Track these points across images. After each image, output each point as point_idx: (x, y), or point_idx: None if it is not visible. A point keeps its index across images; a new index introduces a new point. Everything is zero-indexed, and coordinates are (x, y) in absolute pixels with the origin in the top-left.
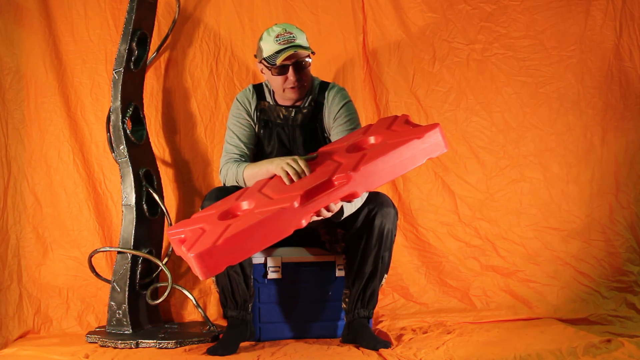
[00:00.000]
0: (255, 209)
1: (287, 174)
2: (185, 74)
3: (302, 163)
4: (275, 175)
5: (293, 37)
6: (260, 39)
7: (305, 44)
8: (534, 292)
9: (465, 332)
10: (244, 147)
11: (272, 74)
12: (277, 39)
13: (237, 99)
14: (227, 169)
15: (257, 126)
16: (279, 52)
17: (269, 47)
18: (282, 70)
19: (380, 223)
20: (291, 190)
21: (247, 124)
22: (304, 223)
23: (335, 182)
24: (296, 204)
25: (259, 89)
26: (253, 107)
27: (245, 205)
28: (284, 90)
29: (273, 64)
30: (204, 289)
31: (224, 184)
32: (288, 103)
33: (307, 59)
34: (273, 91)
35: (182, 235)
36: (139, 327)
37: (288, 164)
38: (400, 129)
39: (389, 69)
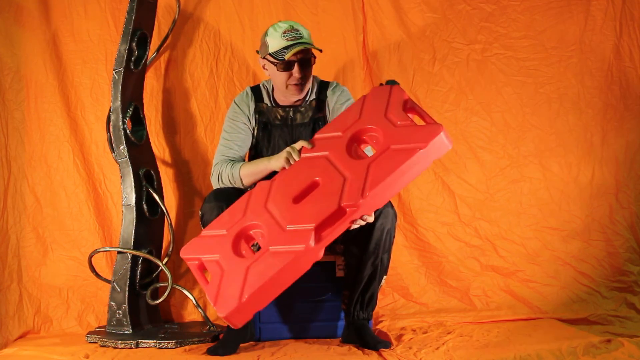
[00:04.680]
0: (270, 244)
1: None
2: (185, 74)
3: (295, 156)
4: (276, 180)
5: (300, 34)
6: (266, 34)
7: (311, 41)
8: (534, 292)
9: (465, 332)
10: (238, 150)
11: (277, 70)
12: (285, 34)
13: (235, 102)
14: (219, 169)
15: (256, 128)
16: (287, 47)
17: (275, 42)
18: (287, 66)
19: (380, 224)
20: (301, 217)
21: (243, 127)
22: (321, 255)
23: (347, 210)
24: (312, 243)
25: (256, 91)
26: (252, 109)
27: (257, 232)
28: (287, 87)
29: (280, 59)
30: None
31: (218, 184)
32: (287, 103)
33: (313, 57)
34: (271, 92)
35: (197, 262)
36: (139, 327)
37: (288, 157)
38: (400, 120)
39: (389, 69)
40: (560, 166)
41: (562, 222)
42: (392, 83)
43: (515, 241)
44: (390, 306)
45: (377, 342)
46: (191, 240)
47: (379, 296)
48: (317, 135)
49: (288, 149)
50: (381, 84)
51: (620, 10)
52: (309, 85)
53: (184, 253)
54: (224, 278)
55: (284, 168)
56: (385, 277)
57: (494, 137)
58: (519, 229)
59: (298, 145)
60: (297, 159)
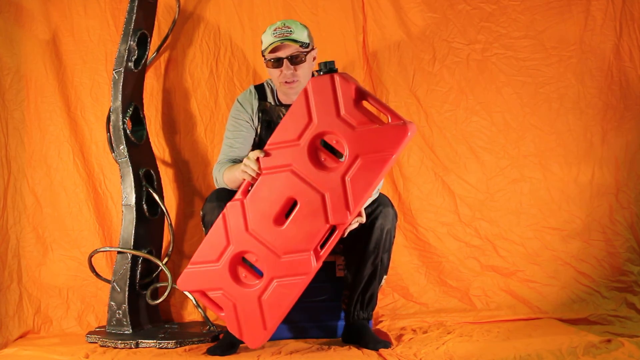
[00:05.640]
0: (271, 273)
1: (250, 175)
2: (185, 74)
3: (253, 165)
4: (248, 200)
5: (290, 31)
6: (264, 32)
7: (302, 39)
8: (534, 292)
9: (465, 332)
10: (239, 149)
11: (268, 67)
12: (275, 32)
13: (238, 101)
14: (215, 172)
15: (259, 127)
16: (272, 44)
17: (266, 40)
18: (276, 64)
19: (380, 224)
20: (294, 243)
21: (245, 126)
22: (320, 264)
23: (337, 227)
24: (314, 264)
25: (260, 90)
26: (255, 108)
27: (250, 256)
28: (280, 85)
29: (264, 56)
30: None
31: (216, 185)
32: (290, 102)
33: (302, 54)
34: (275, 90)
35: (198, 292)
36: (139, 327)
37: (244, 171)
38: (356, 120)
39: (389, 69)
40: (560, 166)
41: (562, 222)
42: (329, 68)
43: (515, 241)
44: (390, 306)
45: (377, 342)
46: (184, 272)
47: (379, 296)
48: (270, 144)
49: (245, 160)
50: (317, 71)
51: (620, 10)
52: (306, 83)
53: (182, 286)
54: (239, 311)
55: (248, 182)
56: (385, 277)
57: (494, 137)
58: (519, 229)
59: (253, 155)
60: (255, 168)
